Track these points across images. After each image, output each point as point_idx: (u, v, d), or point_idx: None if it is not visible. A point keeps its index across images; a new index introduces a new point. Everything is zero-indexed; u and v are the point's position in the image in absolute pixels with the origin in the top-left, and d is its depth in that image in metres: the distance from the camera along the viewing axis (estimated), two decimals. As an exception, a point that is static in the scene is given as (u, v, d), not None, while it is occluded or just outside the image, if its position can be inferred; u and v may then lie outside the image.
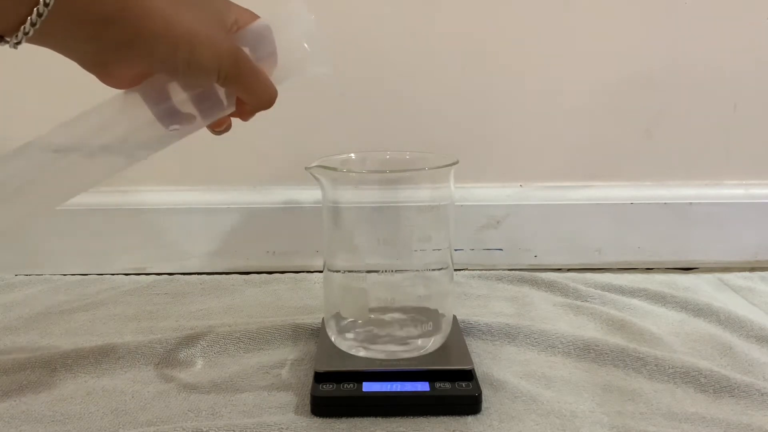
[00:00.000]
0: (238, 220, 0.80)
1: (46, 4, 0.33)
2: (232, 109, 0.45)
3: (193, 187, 0.80)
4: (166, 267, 0.80)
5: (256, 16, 0.45)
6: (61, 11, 0.33)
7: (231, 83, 0.41)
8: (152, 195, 0.80)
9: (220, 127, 0.47)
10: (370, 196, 0.52)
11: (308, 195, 0.77)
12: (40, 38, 0.34)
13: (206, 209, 0.79)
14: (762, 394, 0.49)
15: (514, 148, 0.81)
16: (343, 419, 0.46)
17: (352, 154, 0.55)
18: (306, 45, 0.44)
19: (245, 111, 0.45)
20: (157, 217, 0.80)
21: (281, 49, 0.44)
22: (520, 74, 0.78)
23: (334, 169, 0.49)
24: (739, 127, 0.80)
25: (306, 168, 0.50)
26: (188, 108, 0.43)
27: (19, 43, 0.34)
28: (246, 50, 0.43)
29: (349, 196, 0.52)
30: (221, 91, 0.43)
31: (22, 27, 0.33)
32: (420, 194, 0.51)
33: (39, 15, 0.33)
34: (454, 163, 0.50)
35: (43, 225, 0.79)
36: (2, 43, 0.35)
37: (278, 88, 0.44)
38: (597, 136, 0.80)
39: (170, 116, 0.42)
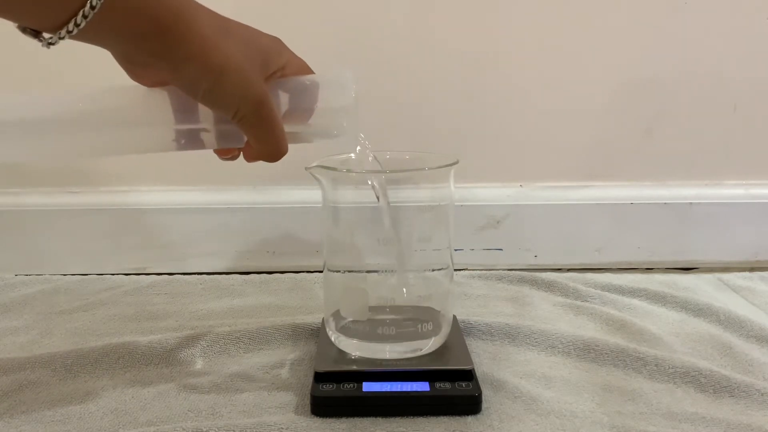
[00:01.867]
0: (238, 220, 0.80)
1: (85, 16, 0.33)
2: (243, 144, 0.45)
3: (193, 187, 0.80)
4: (166, 267, 0.80)
5: (308, 70, 0.44)
6: (100, 21, 0.33)
7: (245, 125, 0.41)
8: (152, 195, 0.80)
9: (227, 155, 0.46)
10: (370, 196, 0.52)
11: (308, 195, 0.77)
12: (74, 38, 0.34)
13: (206, 209, 0.79)
14: (762, 394, 0.49)
15: (514, 148, 0.81)
16: (343, 419, 0.46)
17: (352, 154, 0.55)
18: (345, 123, 0.44)
19: (249, 153, 0.45)
20: (157, 217, 0.80)
21: (319, 111, 0.44)
22: (520, 74, 0.78)
23: (334, 169, 0.49)
24: (739, 127, 0.80)
25: (306, 168, 0.50)
26: (207, 124, 0.42)
27: (53, 44, 0.34)
28: (286, 97, 0.43)
29: (349, 196, 0.52)
30: None
31: (59, 32, 0.33)
32: (420, 194, 0.51)
33: (77, 25, 0.33)
34: (454, 163, 0.50)
35: (43, 225, 0.79)
36: (37, 39, 0.35)
37: (293, 144, 0.44)
38: (597, 136, 0.80)
39: (186, 124, 0.42)
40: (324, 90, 0.44)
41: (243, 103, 0.39)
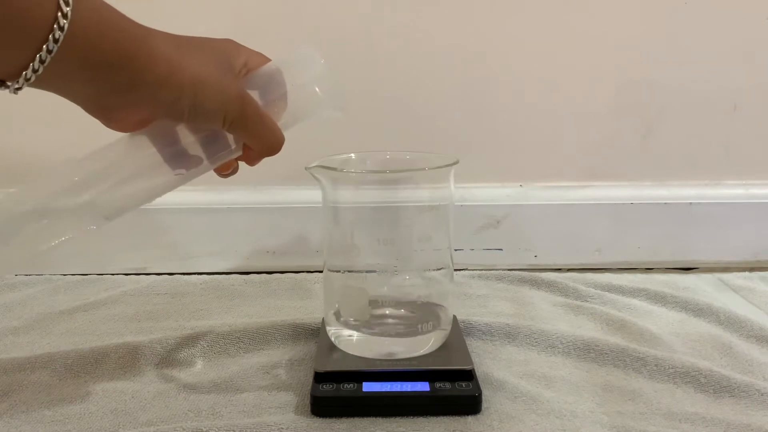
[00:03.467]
0: (238, 220, 0.80)
1: (49, 51, 0.32)
2: (239, 152, 0.44)
3: (193, 187, 0.79)
4: (166, 267, 0.80)
5: (266, 59, 0.44)
6: (64, 57, 0.32)
7: (236, 129, 0.41)
8: (152, 195, 0.80)
9: (226, 171, 0.46)
10: (370, 196, 0.52)
11: (308, 195, 0.77)
12: (42, 83, 0.33)
13: (206, 209, 0.79)
14: (762, 394, 0.49)
15: (514, 148, 0.81)
16: (343, 419, 0.46)
17: (352, 154, 0.55)
18: (317, 89, 0.44)
19: (251, 156, 0.45)
20: (157, 217, 0.79)
21: (292, 92, 0.43)
22: (520, 74, 0.78)
23: (334, 169, 0.49)
24: (739, 127, 0.80)
25: (306, 168, 0.50)
26: (196, 151, 0.42)
27: (20, 88, 0.33)
28: (256, 93, 0.42)
29: (349, 196, 0.52)
30: (228, 135, 0.43)
31: (24, 73, 0.32)
32: (420, 194, 0.51)
33: (41, 62, 0.32)
34: (454, 163, 0.50)
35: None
36: (2, 87, 0.34)
37: (287, 131, 0.44)
38: (597, 136, 0.80)
39: (177, 159, 0.42)
40: (289, 70, 0.44)
41: (227, 108, 0.39)
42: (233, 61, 0.41)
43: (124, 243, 0.80)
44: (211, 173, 0.47)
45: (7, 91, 0.34)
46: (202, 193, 0.80)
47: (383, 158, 0.56)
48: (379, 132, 0.79)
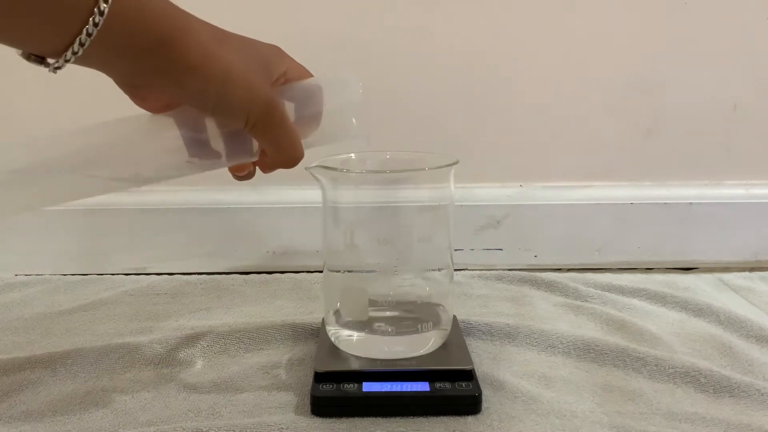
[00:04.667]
0: (238, 220, 0.80)
1: (89, 35, 0.32)
2: (257, 157, 0.44)
3: (193, 187, 0.80)
4: (166, 267, 0.80)
5: (307, 73, 0.44)
6: (102, 41, 0.33)
7: (258, 133, 0.40)
8: (152, 195, 0.80)
9: (242, 172, 0.46)
10: (370, 196, 0.52)
11: (308, 195, 0.77)
12: (78, 61, 0.34)
13: (206, 209, 0.79)
14: (762, 394, 0.49)
15: (514, 148, 0.81)
16: (343, 419, 0.46)
17: (352, 154, 0.55)
18: (354, 120, 0.44)
19: (266, 164, 0.44)
20: (157, 217, 0.80)
21: (327, 114, 0.43)
22: (520, 74, 0.78)
23: (334, 169, 0.49)
24: (739, 127, 0.80)
25: (306, 168, 0.50)
26: (216, 144, 0.42)
27: (59, 68, 0.34)
28: (291, 106, 0.42)
29: (349, 196, 0.52)
30: (252, 139, 0.42)
31: (64, 54, 0.33)
32: (420, 194, 0.51)
33: (81, 44, 0.33)
34: (454, 163, 0.50)
35: (44, 225, 0.79)
36: (42, 65, 0.35)
37: (308, 150, 0.43)
38: (597, 136, 0.80)
39: (196, 147, 0.41)
40: (329, 91, 0.44)
41: (252, 109, 0.39)
42: (273, 67, 0.41)
43: (124, 243, 0.80)
44: (212, 171, 0.47)
45: (46, 69, 0.35)
46: (202, 193, 0.80)
47: (383, 158, 0.56)
48: (379, 132, 0.78)
